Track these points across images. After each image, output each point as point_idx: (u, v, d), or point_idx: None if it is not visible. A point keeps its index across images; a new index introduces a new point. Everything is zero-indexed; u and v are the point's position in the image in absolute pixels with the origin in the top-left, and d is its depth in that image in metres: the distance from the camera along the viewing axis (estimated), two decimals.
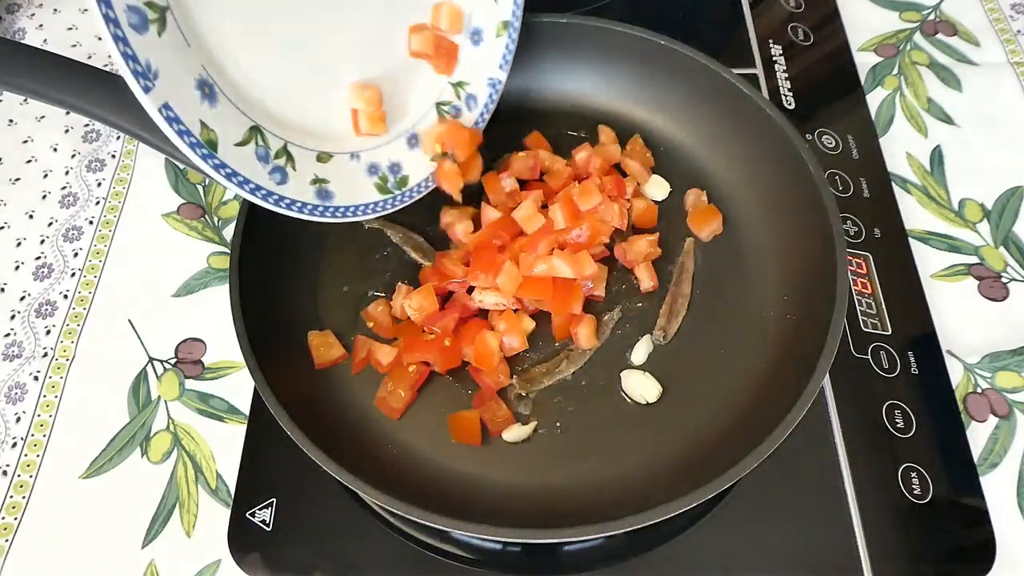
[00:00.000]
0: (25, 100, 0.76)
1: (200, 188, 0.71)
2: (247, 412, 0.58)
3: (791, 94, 0.75)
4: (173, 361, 0.61)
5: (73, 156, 0.73)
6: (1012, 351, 0.61)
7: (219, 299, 0.64)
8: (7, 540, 0.54)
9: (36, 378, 0.61)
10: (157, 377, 0.61)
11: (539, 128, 0.68)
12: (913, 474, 0.55)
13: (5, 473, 0.57)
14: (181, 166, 0.72)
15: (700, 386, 0.56)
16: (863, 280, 0.63)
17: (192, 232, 0.68)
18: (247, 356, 0.51)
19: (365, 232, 0.64)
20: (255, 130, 0.47)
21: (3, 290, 0.65)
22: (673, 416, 0.55)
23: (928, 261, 0.65)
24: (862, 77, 0.77)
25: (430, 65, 0.58)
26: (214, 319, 0.63)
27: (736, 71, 0.63)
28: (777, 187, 0.61)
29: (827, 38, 0.80)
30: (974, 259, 0.65)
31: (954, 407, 0.57)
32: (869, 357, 0.59)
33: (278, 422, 0.48)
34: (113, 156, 0.73)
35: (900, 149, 0.72)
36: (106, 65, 0.79)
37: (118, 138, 0.74)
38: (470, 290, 0.58)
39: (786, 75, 0.77)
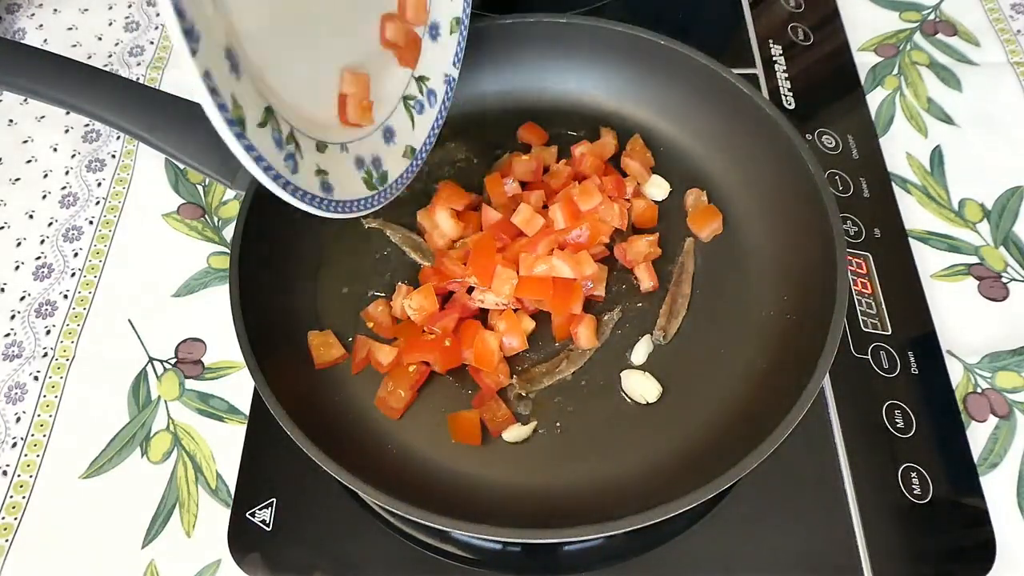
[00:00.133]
0: (25, 100, 0.76)
1: (200, 188, 0.71)
2: (247, 412, 0.58)
3: (791, 94, 0.75)
4: (173, 361, 0.61)
5: (73, 156, 0.73)
6: (1012, 351, 0.61)
7: (219, 299, 0.64)
8: (7, 540, 0.54)
9: (36, 378, 0.61)
10: (157, 377, 0.61)
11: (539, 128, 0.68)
12: (913, 474, 0.55)
13: (5, 473, 0.57)
14: (181, 166, 0.72)
15: (700, 386, 0.56)
16: (863, 280, 0.63)
17: (192, 232, 0.68)
18: (247, 356, 0.51)
19: (365, 232, 0.64)
20: (269, 111, 0.44)
21: (3, 290, 0.65)
22: (673, 416, 0.55)
23: (928, 261, 0.65)
24: (862, 77, 0.77)
25: (395, 57, 0.56)
26: (214, 319, 0.63)
27: (736, 71, 0.63)
28: (777, 187, 0.61)
29: (827, 38, 0.80)
30: (974, 259, 0.65)
31: (954, 407, 0.57)
32: (869, 357, 0.59)
33: (278, 422, 0.48)
34: (113, 156, 0.73)
35: (900, 149, 0.72)
36: (106, 65, 0.79)
37: (118, 138, 0.74)
38: (470, 290, 0.58)
39: (786, 75, 0.77)
